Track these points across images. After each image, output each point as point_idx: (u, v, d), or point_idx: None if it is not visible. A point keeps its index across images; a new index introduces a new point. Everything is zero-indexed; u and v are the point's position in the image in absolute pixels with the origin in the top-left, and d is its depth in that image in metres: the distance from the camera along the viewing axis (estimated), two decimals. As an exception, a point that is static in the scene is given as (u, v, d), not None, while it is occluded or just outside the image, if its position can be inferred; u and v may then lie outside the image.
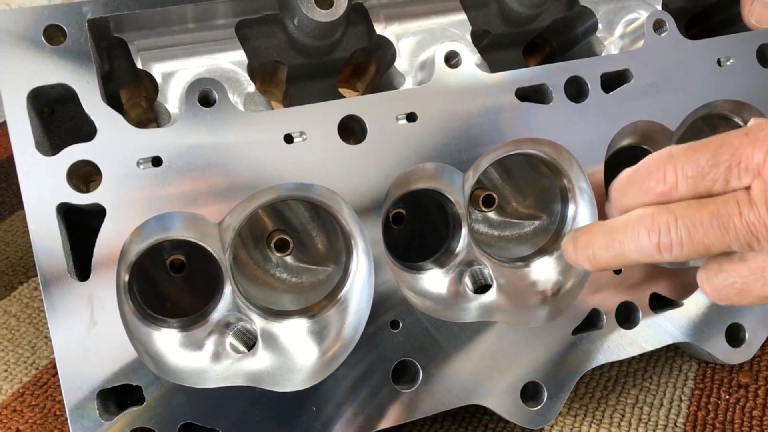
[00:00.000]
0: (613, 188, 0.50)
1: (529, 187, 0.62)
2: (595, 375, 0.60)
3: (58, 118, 0.53)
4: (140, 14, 0.50)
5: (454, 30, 0.58)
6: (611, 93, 0.57)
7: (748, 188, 0.42)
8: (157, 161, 0.48)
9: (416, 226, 0.63)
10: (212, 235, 0.49)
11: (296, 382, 0.49)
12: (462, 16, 0.59)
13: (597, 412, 0.56)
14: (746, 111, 0.61)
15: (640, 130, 0.58)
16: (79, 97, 0.47)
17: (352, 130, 0.53)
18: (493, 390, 0.53)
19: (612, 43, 0.62)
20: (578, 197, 0.57)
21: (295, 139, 0.50)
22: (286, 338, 0.51)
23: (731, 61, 0.60)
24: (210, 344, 0.50)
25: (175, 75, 0.52)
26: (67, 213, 0.48)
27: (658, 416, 0.56)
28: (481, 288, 0.55)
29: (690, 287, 0.58)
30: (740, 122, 0.62)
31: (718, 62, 0.60)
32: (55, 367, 0.59)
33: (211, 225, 0.49)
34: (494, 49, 0.65)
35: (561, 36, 0.67)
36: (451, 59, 0.54)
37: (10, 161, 0.84)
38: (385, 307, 0.51)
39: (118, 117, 0.48)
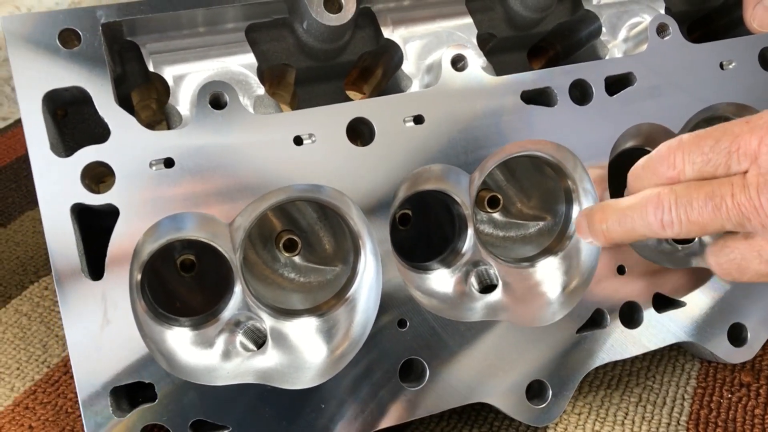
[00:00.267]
0: (630, 174, 0.53)
1: (534, 189, 0.63)
2: (599, 374, 0.60)
3: (71, 120, 0.54)
4: (152, 18, 0.51)
5: (460, 34, 0.59)
6: (615, 96, 0.58)
7: (746, 172, 0.45)
8: (169, 162, 0.48)
9: (422, 227, 0.63)
10: (223, 236, 0.50)
11: (305, 379, 0.50)
12: (468, 20, 0.60)
13: (601, 411, 0.57)
14: (748, 113, 0.61)
15: (643, 133, 0.59)
16: (93, 99, 0.48)
17: (360, 132, 0.54)
18: (499, 388, 0.53)
19: (616, 47, 0.63)
20: (582, 198, 0.58)
21: (305, 141, 0.51)
22: (296, 337, 0.52)
23: (733, 64, 0.61)
24: (221, 342, 0.51)
25: (186, 78, 0.53)
26: (80, 213, 0.49)
27: (661, 414, 0.56)
28: (487, 288, 0.56)
29: (693, 288, 0.58)
30: (742, 125, 0.63)
31: (721, 65, 0.61)
32: (66, 365, 0.60)
33: (222, 225, 0.49)
34: (499, 53, 0.66)
35: (565, 39, 0.68)
36: (458, 62, 0.55)
37: (19, 162, 0.85)
38: (393, 307, 0.52)
39: (131, 119, 0.48)
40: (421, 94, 0.54)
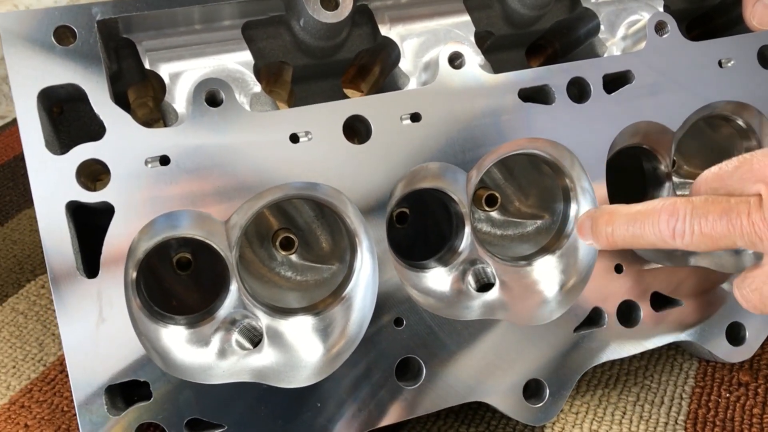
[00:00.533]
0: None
1: (532, 187, 0.63)
2: (596, 373, 0.60)
3: (67, 118, 0.54)
4: (148, 15, 0.51)
5: (458, 31, 0.59)
6: (613, 94, 0.57)
7: (760, 195, 0.46)
8: (164, 160, 0.48)
9: (420, 226, 0.63)
10: (219, 234, 0.50)
11: (301, 378, 0.50)
12: (466, 18, 0.59)
13: (599, 410, 0.57)
14: (747, 112, 0.61)
15: (641, 131, 0.59)
16: (89, 96, 0.48)
17: (357, 130, 0.54)
18: (496, 387, 0.53)
19: (614, 45, 0.63)
20: (580, 197, 0.58)
21: (301, 139, 0.51)
22: (292, 335, 0.51)
23: (732, 62, 0.60)
24: (216, 341, 0.50)
25: (182, 75, 0.53)
26: (75, 211, 0.49)
27: (659, 414, 0.56)
28: (484, 286, 0.56)
29: (691, 287, 0.58)
30: (741, 123, 0.63)
31: (720, 63, 0.60)
32: (62, 363, 0.60)
33: (218, 223, 0.49)
34: (497, 50, 0.66)
35: (563, 37, 0.68)
36: (455, 60, 0.55)
37: (16, 161, 0.85)
38: (389, 305, 0.52)
39: (127, 116, 0.48)
40: (418, 91, 0.54)
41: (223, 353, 0.50)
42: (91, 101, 0.48)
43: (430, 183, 0.54)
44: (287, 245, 0.57)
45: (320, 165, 0.51)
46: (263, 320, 0.51)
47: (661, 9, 0.64)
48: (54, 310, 0.63)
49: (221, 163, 0.49)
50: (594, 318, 0.56)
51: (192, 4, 0.51)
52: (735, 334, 0.59)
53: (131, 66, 0.54)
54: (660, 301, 0.58)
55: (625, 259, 0.57)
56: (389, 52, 0.59)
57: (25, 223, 0.75)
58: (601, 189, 0.57)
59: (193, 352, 0.50)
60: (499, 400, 0.53)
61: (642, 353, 0.60)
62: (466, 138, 0.54)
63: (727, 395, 0.58)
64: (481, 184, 0.63)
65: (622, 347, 0.56)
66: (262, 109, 0.54)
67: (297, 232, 0.58)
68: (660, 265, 0.57)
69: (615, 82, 0.58)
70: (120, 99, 0.55)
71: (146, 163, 0.48)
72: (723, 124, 0.64)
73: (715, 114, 0.62)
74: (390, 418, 0.51)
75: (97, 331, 0.47)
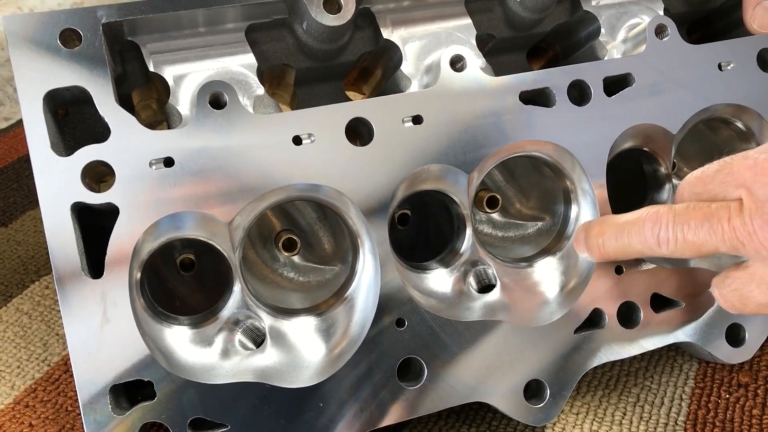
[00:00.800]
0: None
1: (533, 189, 0.63)
2: (597, 373, 0.60)
3: (72, 120, 0.54)
4: (153, 18, 0.51)
5: (459, 34, 0.59)
6: (613, 96, 0.58)
7: (741, 199, 0.46)
8: (169, 162, 0.49)
9: (421, 227, 0.64)
10: (222, 235, 0.50)
11: (304, 378, 0.50)
12: (467, 21, 0.60)
13: (599, 410, 0.57)
14: (746, 115, 0.62)
15: (641, 133, 0.59)
16: (94, 99, 0.48)
17: (359, 132, 0.54)
18: (497, 388, 0.54)
19: (614, 48, 0.63)
20: (581, 199, 0.58)
21: (304, 141, 0.51)
22: (295, 336, 0.52)
23: (732, 65, 0.61)
24: (219, 341, 0.51)
25: (186, 78, 0.53)
26: (80, 212, 0.49)
27: (659, 415, 0.57)
28: (485, 287, 0.56)
29: (691, 288, 0.59)
30: (740, 126, 0.63)
31: (719, 66, 0.61)
32: (66, 363, 0.60)
33: (222, 224, 0.50)
34: (498, 53, 0.66)
35: (564, 40, 0.68)
36: (456, 63, 0.55)
37: (20, 162, 0.85)
38: (391, 306, 0.52)
39: (131, 119, 0.49)
40: (419, 94, 0.54)
41: (226, 353, 0.51)
42: (96, 103, 0.48)
43: (432, 185, 0.55)
44: (290, 246, 0.57)
45: (323, 167, 0.51)
46: (266, 321, 0.52)
47: (661, 12, 0.64)
48: (58, 311, 0.63)
49: (225, 165, 0.49)
50: (594, 319, 0.57)
51: (196, 7, 0.52)
52: (735, 336, 0.60)
53: (136, 68, 0.55)
54: (660, 303, 0.58)
55: (626, 260, 0.57)
56: (391, 55, 0.60)
57: (29, 224, 0.75)
58: (602, 191, 0.57)
59: (197, 352, 0.50)
60: (500, 401, 0.54)
61: (642, 354, 0.60)
62: (468, 140, 0.55)
63: (727, 396, 0.58)
64: (483, 186, 0.64)
65: (622, 348, 0.57)
66: (265, 112, 0.54)
67: (299, 233, 0.59)
68: (660, 267, 0.58)
69: (615, 84, 0.59)
70: (124, 101, 0.56)
71: (151, 164, 0.48)
72: (723, 126, 0.65)
73: (715, 117, 0.62)
74: (391, 418, 0.51)
75: (101, 331, 0.47)
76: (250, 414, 0.49)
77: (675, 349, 0.62)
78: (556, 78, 0.57)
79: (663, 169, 0.62)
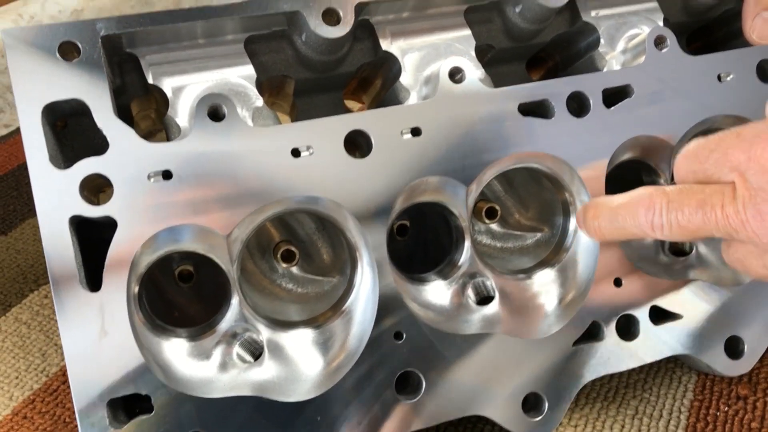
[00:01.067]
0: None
1: (532, 200, 0.63)
2: (595, 386, 0.60)
3: (71, 131, 0.54)
4: (152, 30, 0.51)
5: (458, 45, 0.59)
6: (613, 108, 0.58)
7: (736, 184, 0.45)
8: (167, 174, 0.49)
9: (420, 238, 0.64)
10: (220, 247, 0.50)
11: (301, 392, 0.50)
12: (466, 32, 0.60)
13: (597, 423, 0.57)
14: (746, 126, 0.62)
15: (641, 145, 0.59)
16: (92, 111, 0.48)
17: (357, 144, 0.54)
18: (495, 400, 0.54)
19: (614, 58, 0.63)
20: (580, 211, 0.58)
21: (302, 153, 0.51)
22: (292, 348, 0.52)
23: (731, 76, 0.61)
24: (217, 354, 0.51)
25: (185, 89, 0.53)
26: (79, 224, 0.49)
27: (658, 427, 0.56)
28: (484, 299, 0.56)
29: (690, 300, 0.58)
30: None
31: (719, 77, 0.61)
32: (65, 374, 0.60)
33: (220, 237, 0.50)
34: (498, 63, 0.66)
35: (564, 50, 0.68)
36: (455, 75, 0.55)
37: (20, 170, 0.85)
38: (389, 319, 0.52)
39: (130, 131, 0.49)
40: (418, 106, 0.54)
41: (224, 366, 0.51)
42: (94, 116, 0.48)
43: (430, 197, 0.55)
44: (288, 257, 0.57)
45: (321, 179, 0.51)
46: (264, 333, 0.52)
47: (660, 23, 0.64)
48: (57, 321, 0.63)
49: (223, 178, 0.49)
50: (593, 331, 0.57)
51: (195, 19, 0.52)
52: (734, 348, 0.59)
53: (134, 80, 0.55)
54: (659, 315, 0.58)
55: (624, 272, 0.57)
56: (390, 66, 0.60)
57: (28, 232, 0.76)
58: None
59: (195, 365, 0.50)
60: (498, 414, 0.54)
61: (641, 366, 0.60)
62: (466, 152, 0.55)
63: (726, 409, 0.58)
64: (482, 197, 0.64)
65: (620, 361, 0.57)
66: (263, 123, 0.54)
67: (298, 244, 0.59)
68: (659, 279, 0.58)
69: (615, 96, 0.59)
70: (123, 112, 0.56)
71: (149, 177, 0.48)
72: (722, 137, 0.65)
73: (714, 128, 0.62)
74: (389, 431, 0.51)
75: (99, 344, 0.47)
76: (247, 427, 0.49)
77: (674, 361, 0.62)
78: (555, 89, 0.57)
79: (662, 181, 0.62)
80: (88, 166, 0.48)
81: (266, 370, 0.51)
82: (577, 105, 0.58)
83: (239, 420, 0.49)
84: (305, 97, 0.62)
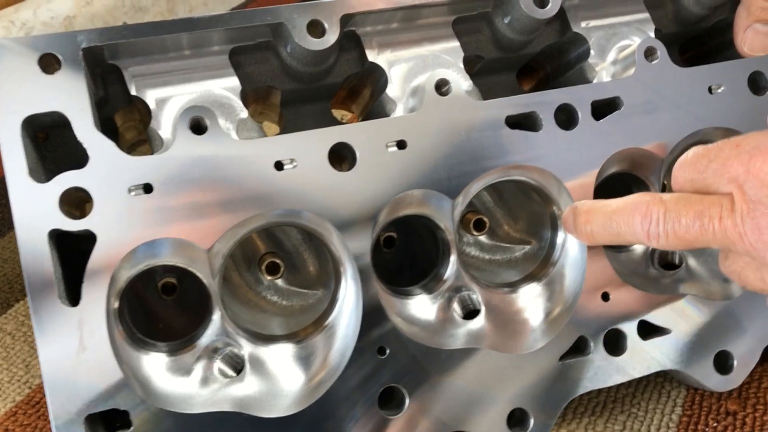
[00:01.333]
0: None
1: (521, 212, 0.63)
2: (583, 400, 0.60)
3: (53, 143, 0.54)
4: (134, 42, 0.51)
5: (446, 57, 0.59)
6: (602, 120, 0.57)
7: (734, 196, 0.45)
8: (148, 188, 0.48)
9: (408, 250, 0.63)
10: (201, 261, 0.50)
11: (282, 407, 0.49)
12: (455, 44, 0.59)
13: (584, 439, 0.57)
14: (736, 139, 0.61)
15: (630, 157, 0.59)
16: (72, 124, 0.48)
17: (342, 157, 0.54)
18: (480, 417, 0.53)
19: (604, 69, 0.63)
20: (567, 224, 0.57)
21: (286, 166, 0.51)
22: (273, 363, 0.51)
23: (722, 88, 0.60)
24: (198, 369, 0.50)
25: (168, 101, 0.53)
26: (61, 237, 0.49)
27: (646, 443, 0.56)
28: (470, 313, 0.56)
29: (678, 315, 0.58)
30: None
31: (710, 89, 0.60)
32: (48, 386, 0.60)
33: (201, 251, 0.49)
34: (488, 74, 0.65)
35: (555, 61, 0.68)
36: (442, 87, 0.55)
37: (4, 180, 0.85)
38: (373, 333, 0.51)
39: (111, 144, 0.48)
40: (404, 118, 0.54)
41: (204, 381, 0.50)
42: (74, 129, 0.48)
43: (415, 210, 0.54)
44: (273, 270, 0.57)
45: (305, 192, 0.51)
46: (246, 348, 0.51)
47: (652, 33, 0.64)
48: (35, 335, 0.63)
49: (205, 191, 0.49)
50: (580, 346, 0.56)
51: (178, 31, 0.51)
52: (723, 363, 0.59)
53: (118, 91, 0.55)
54: (647, 330, 0.57)
55: (612, 287, 0.56)
56: (377, 77, 0.59)
57: (15, 242, 0.75)
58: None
59: (174, 380, 0.49)
60: (483, 430, 0.53)
61: (629, 381, 0.59)
62: (452, 165, 0.54)
63: (715, 425, 0.57)
64: (471, 208, 0.63)
65: (608, 376, 0.56)
66: (248, 135, 0.54)
67: (284, 255, 0.58)
68: (647, 293, 0.57)
69: (604, 107, 0.58)
70: (108, 123, 0.55)
71: (130, 190, 0.48)
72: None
73: (705, 140, 0.61)
74: (372, 447, 0.51)
75: (77, 359, 0.46)
76: (227, 443, 0.48)
77: (663, 375, 0.62)
78: (543, 102, 0.56)
79: (652, 193, 0.61)
80: (67, 179, 0.47)
81: (247, 386, 0.50)
82: (566, 117, 0.58)
83: (219, 437, 0.48)
84: (293, 107, 0.62)
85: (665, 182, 0.65)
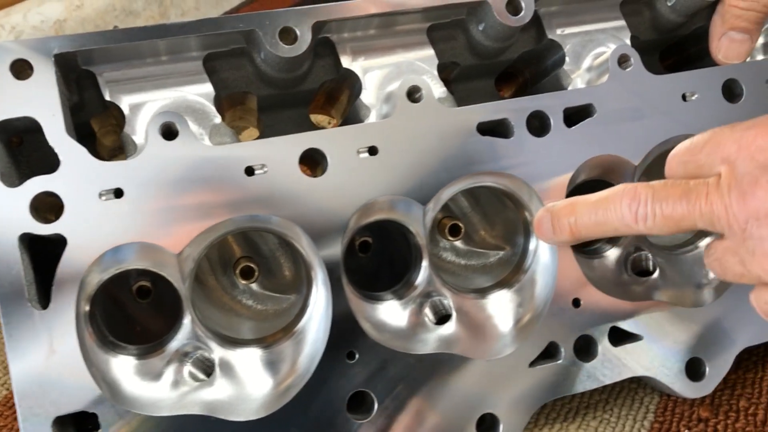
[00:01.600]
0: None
1: (497, 217, 0.63)
2: (555, 406, 0.60)
3: (27, 148, 0.54)
4: (107, 48, 0.51)
5: (420, 64, 0.59)
6: (574, 127, 0.58)
7: (720, 174, 0.45)
8: (119, 193, 0.49)
9: (384, 254, 0.63)
10: (171, 266, 0.50)
11: (249, 411, 0.50)
12: (429, 51, 0.60)
13: (555, 444, 0.57)
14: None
15: (602, 164, 0.59)
16: (44, 130, 0.48)
17: (313, 162, 0.54)
18: (449, 421, 0.53)
19: (579, 76, 0.63)
20: (539, 230, 0.58)
21: (256, 171, 0.51)
22: (242, 367, 0.52)
23: (696, 95, 0.60)
24: (169, 373, 0.51)
25: (142, 107, 0.53)
26: (32, 241, 0.49)
27: (616, 449, 0.56)
28: (442, 318, 0.56)
29: (650, 322, 0.58)
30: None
31: (683, 97, 0.60)
32: (24, 388, 0.60)
33: (170, 255, 0.50)
34: (465, 80, 0.66)
35: (532, 67, 0.68)
36: (414, 93, 0.55)
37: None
38: (342, 339, 0.52)
39: (82, 149, 0.49)
40: (375, 125, 0.54)
41: (174, 385, 0.51)
42: (46, 134, 0.48)
43: (384, 215, 0.55)
44: (247, 274, 0.57)
45: (275, 197, 0.51)
46: (216, 352, 0.52)
47: (627, 41, 0.64)
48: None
49: (175, 196, 0.49)
50: (551, 352, 0.56)
51: (151, 38, 0.52)
52: (695, 370, 0.59)
53: (93, 97, 0.55)
54: (618, 336, 0.58)
55: (584, 293, 0.57)
56: (352, 83, 0.59)
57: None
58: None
59: (143, 384, 0.50)
60: (452, 435, 0.53)
61: (603, 386, 0.60)
62: (424, 171, 0.54)
63: (686, 431, 0.57)
64: (447, 213, 0.64)
65: (579, 382, 0.56)
66: (221, 141, 0.54)
67: (260, 260, 0.59)
68: (619, 300, 0.57)
69: (576, 115, 0.59)
70: (84, 128, 0.56)
71: (100, 195, 0.49)
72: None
73: (678, 147, 0.62)
74: (341, 451, 0.51)
75: (47, 362, 0.47)
76: (195, 447, 0.49)
77: (636, 381, 0.62)
78: (516, 108, 0.57)
79: (626, 200, 0.61)
80: (38, 184, 0.48)
81: (217, 389, 0.51)
82: (539, 124, 0.58)
83: (186, 439, 0.48)
84: (271, 112, 0.62)
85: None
